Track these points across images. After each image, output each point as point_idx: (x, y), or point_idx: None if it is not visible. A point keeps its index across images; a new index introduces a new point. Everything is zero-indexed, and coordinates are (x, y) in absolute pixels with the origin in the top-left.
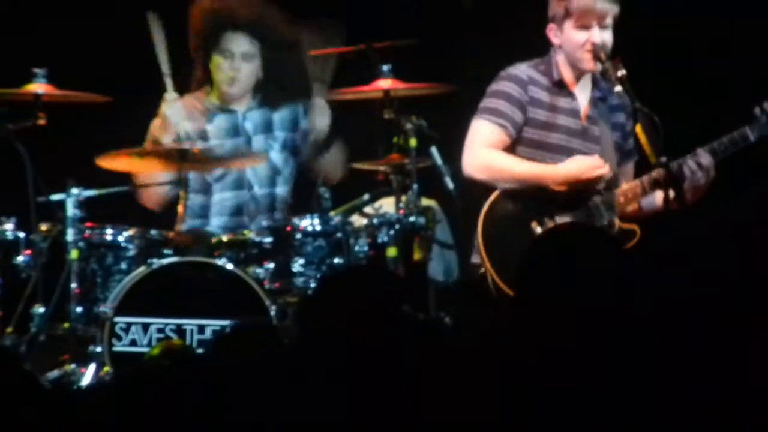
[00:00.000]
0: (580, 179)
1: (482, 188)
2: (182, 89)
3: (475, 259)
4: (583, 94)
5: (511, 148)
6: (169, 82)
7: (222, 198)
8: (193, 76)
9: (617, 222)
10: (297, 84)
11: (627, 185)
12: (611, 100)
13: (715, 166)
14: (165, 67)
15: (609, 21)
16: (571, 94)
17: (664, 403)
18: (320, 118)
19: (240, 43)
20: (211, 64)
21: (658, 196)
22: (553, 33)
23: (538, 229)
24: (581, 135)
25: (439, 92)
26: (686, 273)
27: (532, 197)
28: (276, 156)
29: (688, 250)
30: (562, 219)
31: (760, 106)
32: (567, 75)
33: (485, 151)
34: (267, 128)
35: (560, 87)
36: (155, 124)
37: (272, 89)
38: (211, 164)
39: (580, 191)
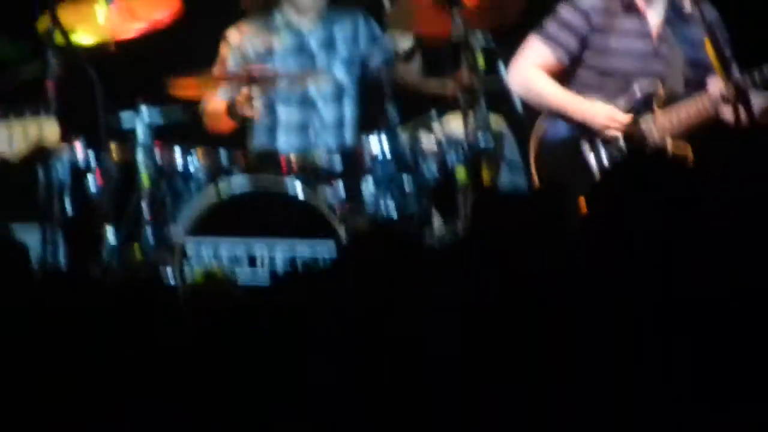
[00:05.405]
0: (593, 124)
1: None
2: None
3: None
4: (655, 13)
5: (571, 73)
6: None
7: (288, 114)
8: None
9: (669, 144)
10: None
11: (691, 101)
12: (689, 13)
13: None
14: None
15: None
16: (639, 15)
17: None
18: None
19: None
20: None
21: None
22: None
23: (587, 147)
24: (650, 57)
25: None
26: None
27: None
28: (340, 72)
29: None
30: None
31: None
32: None
33: (532, 70)
34: (329, 45)
35: (628, 9)
36: (224, 45)
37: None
38: (275, 84)
39: (632, 109)
